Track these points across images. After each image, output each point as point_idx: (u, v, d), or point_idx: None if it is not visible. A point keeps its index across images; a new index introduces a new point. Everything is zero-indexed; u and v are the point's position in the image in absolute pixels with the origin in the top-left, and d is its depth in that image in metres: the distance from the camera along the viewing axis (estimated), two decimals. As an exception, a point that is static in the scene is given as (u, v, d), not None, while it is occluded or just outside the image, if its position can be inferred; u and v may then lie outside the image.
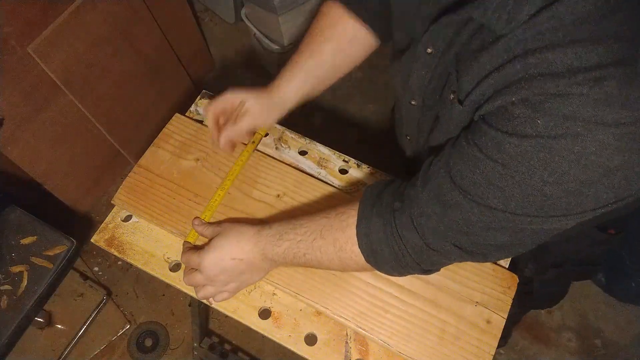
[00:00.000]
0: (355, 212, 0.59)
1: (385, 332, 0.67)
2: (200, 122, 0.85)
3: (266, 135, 0.84)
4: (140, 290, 1.62)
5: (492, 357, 0.66)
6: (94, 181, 1.66)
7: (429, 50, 0.56)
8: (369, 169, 0.82)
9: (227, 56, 2.07)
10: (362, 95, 1.98)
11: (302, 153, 0.83)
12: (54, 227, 1.16)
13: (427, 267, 0.57)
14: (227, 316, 0.71)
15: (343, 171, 0.82)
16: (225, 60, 2.06)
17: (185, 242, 0.73)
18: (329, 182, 0.80)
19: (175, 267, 0.74)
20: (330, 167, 0.82)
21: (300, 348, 0.68)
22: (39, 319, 1.38)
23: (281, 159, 0.82)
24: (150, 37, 1.54)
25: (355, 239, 0.58)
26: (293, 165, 0.82)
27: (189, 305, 1.57)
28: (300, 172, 0.80)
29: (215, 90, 0.90)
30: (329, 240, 0.60)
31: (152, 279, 0.75)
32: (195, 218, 0.73)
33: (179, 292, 0.81)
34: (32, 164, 1.38)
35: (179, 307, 1.60)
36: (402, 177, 0.65)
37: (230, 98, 0.74)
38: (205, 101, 0.88)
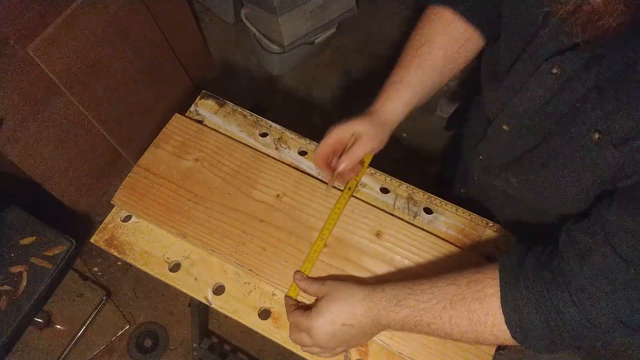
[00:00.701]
0: (492, 281, 0.55)
1: (385, 332, 0.67)
2: (200, 122, 0.85)
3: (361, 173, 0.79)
4: (140, 291, 1.62)
5: (492, 357, 0.66)
6: (94, 181, 1.66)
7: (555, 71, 0.51)
8: (368, 169, 0.81)
9: (227, 56, 2.07)
10: (362, 95, 1.98)
11: (302, 153, 0.83)
12: (53, 228, 1.16)
13: (583, 345, 0.52)
14: (226, 316, 0.71)
15: (343, 171, 0.81)
16: (225, 60, 2.06)
17: (287, 297, 0.70)
18: (328, 182, 0.80)
19: (174, 268, 0.74)
20: (330, 167, 0.82)
21: (300, 348, 0.68)
22: (38, 320, 1.38)
23: (281, 159, 0.82)
24: (150, 38, 1.54)
25: (499, 312, 0.53)
26: (293, 166, 0.81)
27: (189, 306, 1.57)
28: (300, 173, 0.80)
29: (215, 91, 0.90)
30: (462, 311, 0.55)
31: (152, 279, 0.74)
32: (296, 272, 0.70)
33: (179, 292, 0.81)
34: (32, 164, 1.38)
35: (179, 307, 1.60)
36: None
37: (340, 134, 0.69)
38: (205, 101, 0.88)
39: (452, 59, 0.70)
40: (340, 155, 0.70)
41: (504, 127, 0.64)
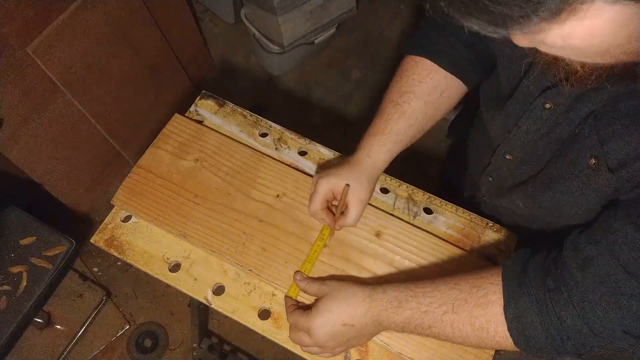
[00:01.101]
0: (495, 287, 0.55)
1: (385, 332, 0.67)
2: (200, 122, 0.85)
3: None
4: (140, 291, 1.62)
5: (492, 357, 0.66)
6: (94, 181, 1.66)
7: (548, 106, 0.53)
8: (368, 169, 0.81)
9: (227, 56, 2.07)
10: (362, 95, 1.98)
11: (302, 153, 0.83)
12: (53, 228, 1.16)
13: (585, 352, 0.52)
14: (226, 317, 0.71)
15: (343, 171, 0.81)
16: (225, 60, 2.06)
17: (287, 297, 0.70)
18: (328, 182, 0.80)
19: (174, 268, 0.74)
20: (330, 167, 0.82)
21: (300, 349, 0.68)
22: (38, 320, 1.38)
23: (281, 160, 0.82)
24: (150, 38, 1.54)
25: (501, 319, 0.54)
26: (293, 166, 0.81)
27: (189, 306, 1.57)
28: (300, 173, 0.80)
29: (215, 91, 0.90)
30: (464, 316, 0.56)
31: (152, 279, 0.74)
32: (296, 272, 0.70)
33: (179, 292, 0.81)
34: (32, 164, 1.38)
35: (179, 307, 1.60)
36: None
37: (330, 187, 0.69)
38: (205, 102, 0.88)
39: (434, 106, 0.70)
40: (335, 204, 0.72)
41: (507, 156, 0.65)
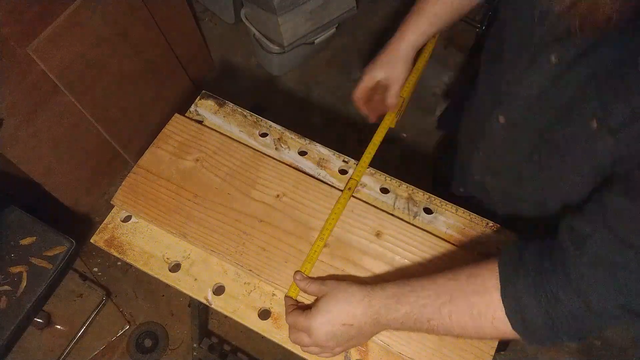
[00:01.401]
0: (491, 274, 0.56)
1: (385, 332, 0.67)
2: (200, 122, 0.85)
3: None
4: (140, 291, 1.62)
5: (492, 357, 0.66)
6: (94, 181, 1.66)
7: (554, 60, 0.51)
8: (369, 169, 0.82)
9: (227, 56, 2.07)
10: (362, 95, 1.98)
11: (302, 153, 0.83)
12: (53, 228, 1.16)
13: (583, 334, 0.52)
14: (226, 317, 0.71)
15: (343, 171, 0.81)
16: (225, 60, 2.06)
17: (287, 297, 0.70)
18: (328, 182, 0.80)
19: (174, 268, 0.74)
20: (330, 167, 0.82)
21: (300, 349, 0.68)
22: (38, 320, 1.38)
23: (281, 159, 0.82)
24: (150, 38, 1.54)
25: (499, 304, 0.54)
26: (293, 166, 0.81)
27: (189, 306, 1.57)
28: (300, 173, 0.80)
29: (215, 91, 0.90)
30: (462, 306, 0.56)
31: (152, 279, 0.74)
32: (296, 272, 0.70)
33: (179, 292, 0.81)
34: (32, 164, 1.38)
35: (179, 307, 1.60)
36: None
37: (374, 78, 0.80)
38: (205, 102, 0.88)
39: None
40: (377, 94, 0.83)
41: (501, 118, 0.64)
